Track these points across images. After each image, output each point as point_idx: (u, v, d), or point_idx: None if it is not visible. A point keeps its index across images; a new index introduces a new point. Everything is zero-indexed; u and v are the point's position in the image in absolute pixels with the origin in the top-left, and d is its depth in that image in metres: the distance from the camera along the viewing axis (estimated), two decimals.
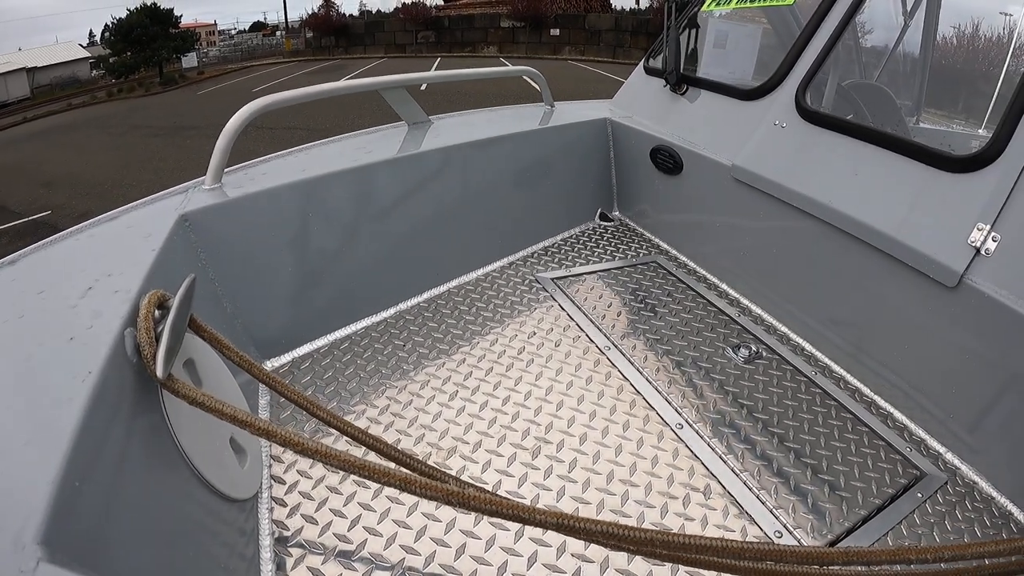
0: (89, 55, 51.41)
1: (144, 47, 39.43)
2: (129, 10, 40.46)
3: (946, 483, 1.92)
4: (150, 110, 24.82)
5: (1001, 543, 1.11)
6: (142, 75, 40.37)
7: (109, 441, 1.05)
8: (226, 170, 2.23)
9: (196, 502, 1.32)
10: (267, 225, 2.18)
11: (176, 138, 17.78)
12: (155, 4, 40.98)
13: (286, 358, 2.29)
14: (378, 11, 62.97)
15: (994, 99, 3.53)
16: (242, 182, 2.21)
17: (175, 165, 14.06)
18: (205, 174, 2.20)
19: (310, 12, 51.71)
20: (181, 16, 43.45)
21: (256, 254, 2.18)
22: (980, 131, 3.57)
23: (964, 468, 1.98)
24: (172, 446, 1.26)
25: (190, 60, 43.77)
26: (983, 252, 1.82)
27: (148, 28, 39.46)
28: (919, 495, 1.86)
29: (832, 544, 1.68)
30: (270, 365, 2.25)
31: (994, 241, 1.80)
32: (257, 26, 76.50)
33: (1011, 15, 3.81)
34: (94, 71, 47.57)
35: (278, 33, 61.44)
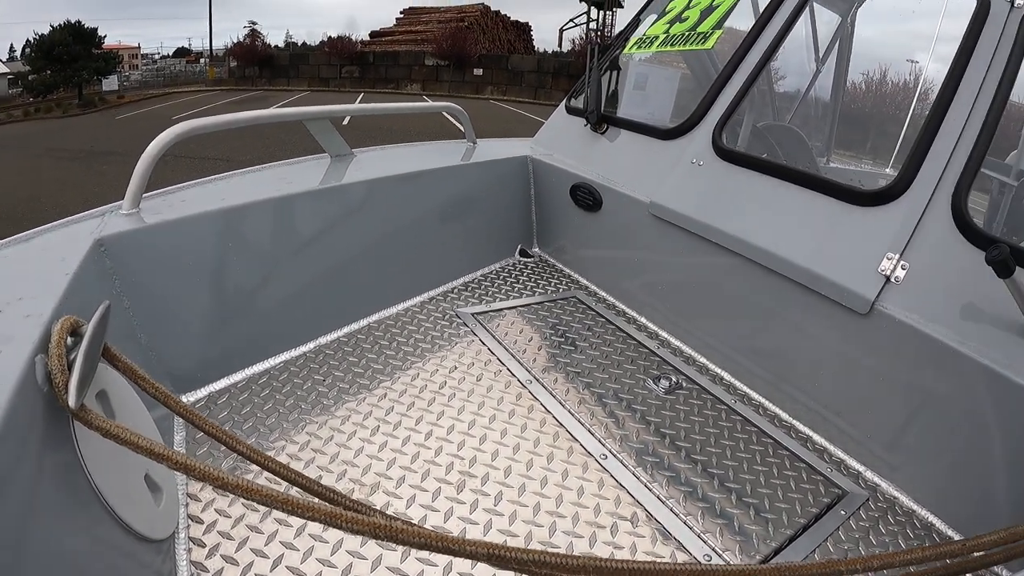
0: (8, 71, 49.43)
1: (65, 66, 37.87)
2: (52, 26, 38.98)
3: (868, 500, 2.00)
4: (67, 132, 23.93)
5: (927, 549, 1.15)
6: (61, 95, 38.75)
7: (17, 476, 1.00)
8: (144, 195, 2.17)
9: (110, 542, 1.27)
10: (184, 253, 2.13)
11: (93, 163, 17.20)
12: (79, 22, 39.68)
13: (202, 393, 2.22)
14: (304, 43, 62.84)
15: (900, 140, 3.72)
16: (160, 208, 2.15)
17: (91, 192, 13.57)
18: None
19: (235, 41, 51.17)
20: (105, 36, 42.08)
21: (173, 283, 2.11)
22: (887, 170, 3.76)
23: (884, 485, 2.08)
24: (85, 482, 1.21)
25: (111, 83, 42.35)
26: (893, 280, 1.95)
27: (70, 47, 37.93)
28: (842, 512, 1.94)
29: (761, 564, 1.72)
30: (185, 400, 2.18)
31: (903, 269, 1.94)
32: (181, 52, 75.26)
33: (917, 62, 4.02)
34: (12, 88, 45.75)
35: (202, 60, 60.41)
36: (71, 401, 1.07)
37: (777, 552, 1.78)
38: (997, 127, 1.94)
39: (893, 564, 1.14)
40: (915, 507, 2.00)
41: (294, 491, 1.39)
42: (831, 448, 2.22)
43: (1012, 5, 2.04)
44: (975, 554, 1.22)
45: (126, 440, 1.07)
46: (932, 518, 1.97)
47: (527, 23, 66.30)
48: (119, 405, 1.43)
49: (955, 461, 1.91)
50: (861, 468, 2.14)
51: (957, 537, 1.90)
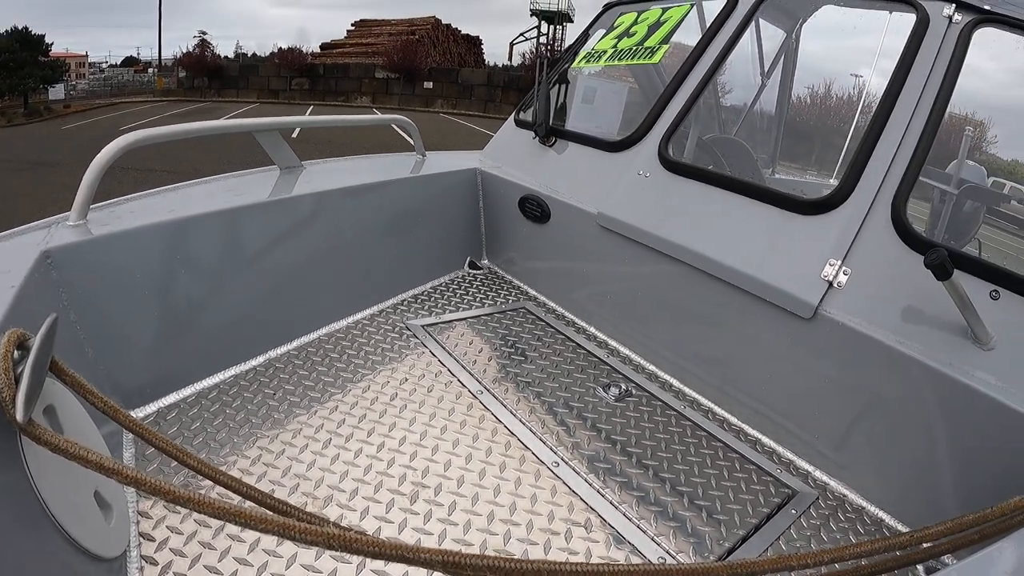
0: None
1: (11, 74, 36.48)
2: None
3: (817, 498, 2.06)
4: (12, 142, 23.11)
5: (876, 542, 1.19)
6: (6, 103, 37.36)
7: None
8: (91, 207, 2.12)
9: (60, 561, 1.23)
10: (133, 266, 2.08)
11: (38, 174, 16.76)
12: (27, 29, 38.59)
13: (151, 408, 2.17)
14: (254, 54, 62.19)
15: (844, 151, 3.82)
16: (108, 220, 2.10)
17: (35, 205, 13.18)
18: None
19: (185, 51, 50.45)
20: (52, 44, 41.02)
21: (121, 296, 2.07)
22: (831, 181, 3.86)
23: (833, 483, 2.14)
24: (33, 499, 1.18)
25: (57, 92, 40.98)
26: (835, 285, 2.03)
27: (17, 54, 36.69)
28: (793, 511, 1.99)
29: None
30: (135, 416, 2.14)
31: (845, 275, 2.02)
32: (129, 61, 73.86)
33: (860, 76, 4.13)
34: None
35: (150, 70, 59.36)
36: (18, 415, 1.04)
37: (730, 552, 1.82)
38: (935, 136, 2.02)
39: (843, 558, 1.17)
40: (864, 504, 2.07)
41: (247, 505, 1.38)
42: (780, 449, 2.28)
43: (950, 20, 2.13)
44: (923, 545, 1.27)
45: (75, 455, 1.04)
46: (881, 514, 2.03)
47: (478, 37, 66.92)
48: (67, 420, 1.39)
49: (902, 458, 1.97)
50: (810, 468, 2.20)
51: (906, 531, 1.96)
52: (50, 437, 1.06)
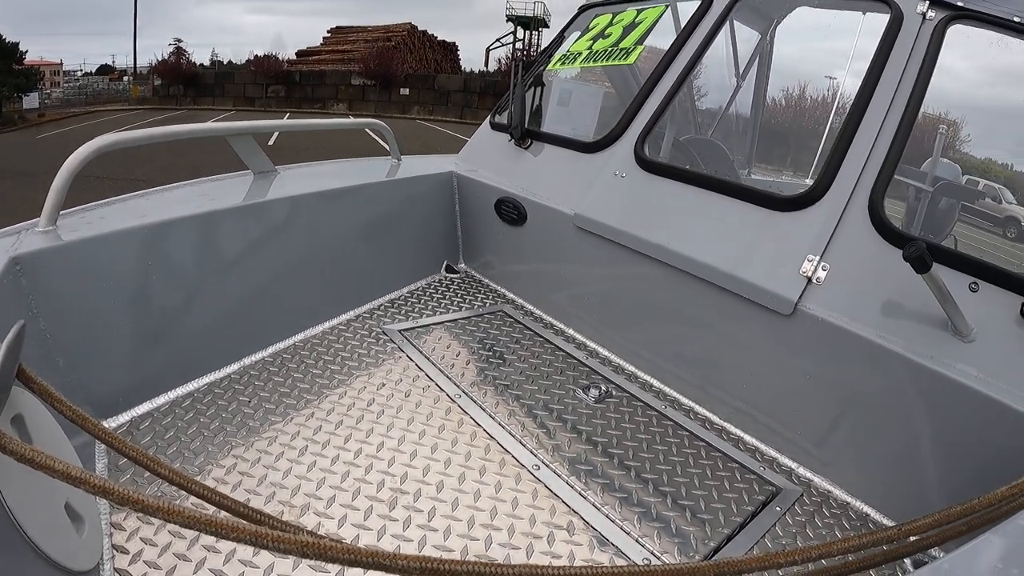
0: None
1: None
2: None
3: (802, 495, 2.05)
4: None
5: (864, 536, 1.18)
6: None
7: None
8: (62, 212, 2.08)
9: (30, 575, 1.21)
10: (104, 272, 2.05)
11: (17, 182, 16.57)
12: (0, 37, 38.25)
13: (124, 418, 2.13)
14: (229, 62, 61.74)
15: (819, 151, 3.85)
16: (78, 225, 2.07)
17: (22, 209, 12.96)
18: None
19: (160, 58, 50.01)
20: (26, 52, 40.59)
21: (92, 303, 2.03)
22: (807, 181, 3.88)
23: (817, 480, 2.14)
24: (1, 512, 1.15)
25: (31, 100, 40.57)
26: (815, 281, 2.03)
27: None
28: (778, 509, 1.98)
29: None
30: (107, 425, 2.09)
31: (824, 270, 2.02)
32: (104, 69, 72.97)
33: (834, 78, 4.16)
34: None
35: (126, 78, 58.73)
36: None
37: (716, 551, 1.81)
38: (912, 130, 2.03)
39: (831, 553, 1.16)
40: (849, 499, 2.06)
41: (221, 514, 1.34)
42: (763, 447, 2.28)
43: (924, 17, 2.14)
44: (911, 538, 1.27)
45: (41, 464, 1.01)
46: (867, 508, 2.03)
47: (454, 43, 66.45)
48: (36, 430, 1.37)
49: (885, 453, 1.97)
50: (793, 465, 2.20)
51: (892, 525, 1.96)
52: (15, 446, 1.02)
